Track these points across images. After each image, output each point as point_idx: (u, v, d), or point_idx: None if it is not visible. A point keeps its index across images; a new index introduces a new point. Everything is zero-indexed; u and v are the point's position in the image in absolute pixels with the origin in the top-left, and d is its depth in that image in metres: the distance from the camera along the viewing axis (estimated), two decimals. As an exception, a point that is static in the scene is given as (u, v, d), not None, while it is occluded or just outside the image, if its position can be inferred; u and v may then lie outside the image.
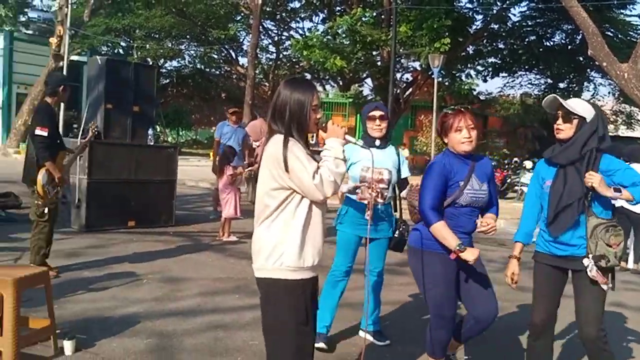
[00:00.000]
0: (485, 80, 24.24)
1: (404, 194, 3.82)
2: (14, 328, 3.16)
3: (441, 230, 2.91)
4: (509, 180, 14.66)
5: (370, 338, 3.94)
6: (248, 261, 2.38)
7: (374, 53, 19.89)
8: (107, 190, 7.25)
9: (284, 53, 27.64)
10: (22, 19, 23.82)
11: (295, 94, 2.31)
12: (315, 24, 26.41)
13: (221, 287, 5.10)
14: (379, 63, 20.33)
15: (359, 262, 3.86)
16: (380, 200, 3.63)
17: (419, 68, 20.38)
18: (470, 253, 2.89)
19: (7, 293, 3.21)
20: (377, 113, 3.74)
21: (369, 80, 24.45)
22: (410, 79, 23.17)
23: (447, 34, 16.53)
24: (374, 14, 18.85)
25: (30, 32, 25.94)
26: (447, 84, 20.72)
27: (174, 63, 30.35)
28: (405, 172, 3.92)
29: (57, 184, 4.91)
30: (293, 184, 2.23)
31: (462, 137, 2.97)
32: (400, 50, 18.56)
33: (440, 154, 3.14)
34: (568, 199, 2.84)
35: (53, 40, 19.31)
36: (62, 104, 12.72)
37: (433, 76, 15.49)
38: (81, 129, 7.54)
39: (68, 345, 3.42)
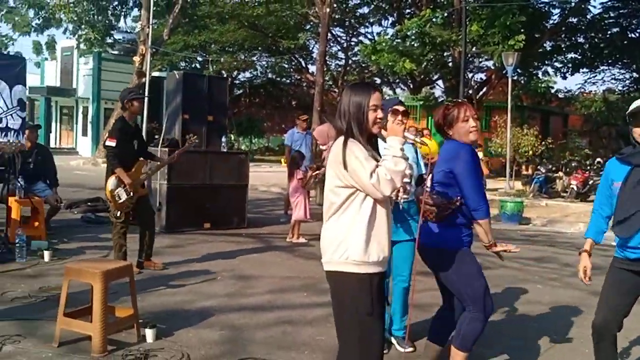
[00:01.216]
0: (564, 77, 23.20)
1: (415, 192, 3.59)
2: (102, 315, 3.50)
3: (489, 223, 3.01)
4: (591, 182, 13.93)
5: (396, 345, 3.84)
6: (316, 262, 2.55)
7: (445, 54, 19.63)
8: (185, 194, 7.73)
9: (353, 59, 27.83)
10: (109, 40, 25.58)
11: (353, 96, 2.44)
12: (384, 28, 26.41)
13: (290, 285, 5.29)
14: (450, 64, 20.04)
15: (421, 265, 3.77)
16: (404, 195, 3.51)
17: (492, 67, 19.89)
18: (501, 245, 3.05)
19: (96, 284, 3.56)
20: (402, 108, 3.63)
21: (440, 82, 24.13)
22: (484, 78, 22.64)
23: (521, 30, 16.05)
24: (444, 14, 18.62)
25: (115, 52, 27.83)
26: (522, 82, 20.06)
27: (247, 74, 31.44)
28: (422, 169, 3.86)
29: (129, 189, 5.30)
30: (354, 182, 2.34)
31: (470, 127, 3.04)
32: (472, 50, 18.21)
33: (454, 142, 3.09)
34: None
35: (136, 59, 20.63)
36: (144, 117, 13.58)
37: (507, 75, 15.10)
38: (161, 138, 8.08)
39: (149, 333, 3.73)
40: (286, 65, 29.04)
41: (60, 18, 24.04)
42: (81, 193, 11.06)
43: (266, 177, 14.44)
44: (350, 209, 2.39)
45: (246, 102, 33.08)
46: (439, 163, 3.13)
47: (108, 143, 5.35)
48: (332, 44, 26.34)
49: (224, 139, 8.39)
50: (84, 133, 28.78)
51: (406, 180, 3.58)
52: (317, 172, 7.26)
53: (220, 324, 4.13)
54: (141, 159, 5.65)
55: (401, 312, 3.86)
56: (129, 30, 29.73)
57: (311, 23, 25.95)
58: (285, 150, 9.69)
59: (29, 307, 4.32)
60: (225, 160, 8.21)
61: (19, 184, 6.76)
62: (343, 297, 2.43)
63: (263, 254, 6.70)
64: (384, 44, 18.11)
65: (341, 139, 2.41)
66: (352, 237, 2.37)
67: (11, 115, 7.54)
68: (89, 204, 9.18)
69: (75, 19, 23.79)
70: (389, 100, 3.91)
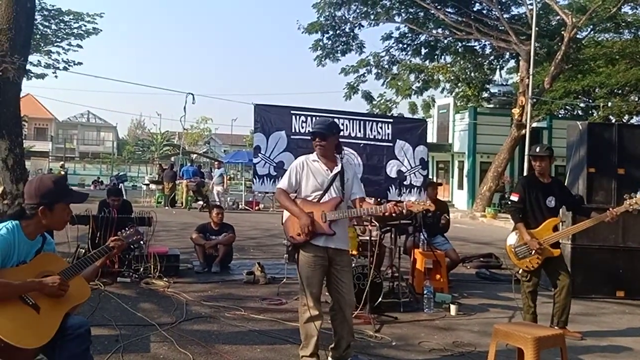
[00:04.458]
0: None
1: None
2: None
3: None
4: None
5: None
6: None
7: None
8: (592, 256, 7.25)
9: None
10: (484, 95, 26.89)
11: None
12: None
13: None
14: None
15: None
16: None
17: None
18: None
19: (527, 349, 3.58)
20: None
21: None
22: None
23: None
24: None
25: (491, 106, 28.93)
26: None
27: (642, 118, 28.25)
28: None
29: (530, 246, 5.29)
30: None
31: None
32: None
33: None
34: None
35: (515, 111, 20.96)
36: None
37: None
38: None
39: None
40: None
41: (438, 79, 26.54)
42: (466, 247, 11.54)
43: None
44: None
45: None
46: None
47: (511, 198, 5.70)
48: None
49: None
50: (460, 186, 30.45)
51: None
52: None
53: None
54: (555, 217, 5.55)
55: None
56: (504, 83, 30.58)
57: None
58: None
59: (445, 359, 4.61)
60: (640, 219, 7.35)
61: (423, 237, 7.51)
62: None
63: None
64: None
65: None
66: None
67: (414, 173, 8.51)
68: (482, 259, 9.50)
69: (452, 78, 25.88)
70: None
